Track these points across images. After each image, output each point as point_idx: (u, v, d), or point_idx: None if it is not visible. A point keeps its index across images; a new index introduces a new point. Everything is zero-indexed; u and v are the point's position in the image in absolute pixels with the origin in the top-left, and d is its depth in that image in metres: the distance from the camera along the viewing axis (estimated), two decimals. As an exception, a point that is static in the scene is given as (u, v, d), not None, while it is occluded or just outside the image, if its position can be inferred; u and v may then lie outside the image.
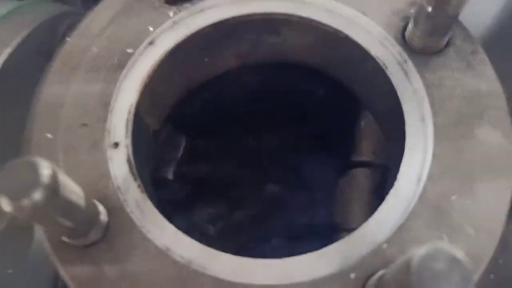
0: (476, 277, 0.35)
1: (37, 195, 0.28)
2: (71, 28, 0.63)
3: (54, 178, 0.29)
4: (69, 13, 0.66)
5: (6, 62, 0.54)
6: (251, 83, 0.53)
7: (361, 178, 0.50)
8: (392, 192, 0.38)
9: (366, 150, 0.52)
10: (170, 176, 0.50)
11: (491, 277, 0.55)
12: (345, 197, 0.50)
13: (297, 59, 0.51)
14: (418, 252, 0.25)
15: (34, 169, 0.28)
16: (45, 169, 0.28)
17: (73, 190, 0.32)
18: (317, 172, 0.53)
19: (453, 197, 0.37)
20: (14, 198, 0.28)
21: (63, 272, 0.37)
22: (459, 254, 0.25)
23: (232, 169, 0.52)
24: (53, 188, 0.29)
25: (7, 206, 0.29)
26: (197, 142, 0.51)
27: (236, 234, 0.43)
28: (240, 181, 0.53)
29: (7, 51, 0.54)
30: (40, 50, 0.58)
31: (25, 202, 0.28)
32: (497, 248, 0.36)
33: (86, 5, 1.16)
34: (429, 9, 0.38)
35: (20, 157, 0.29)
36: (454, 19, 0.40)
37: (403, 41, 0.43)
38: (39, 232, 0.61)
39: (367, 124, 0.52)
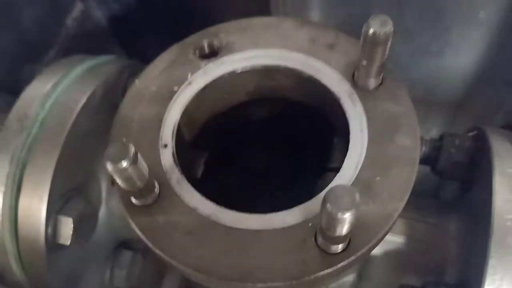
0: (388, 226, 0.54)
1: (125, 162, 0.48)
2: (131, 75, 0.86)
3: (135, 154, 0.49)
4: (128, 65, 0.84)
5: (88, 102, 0.72)
6: (256, 111, 0.74)
7: (331, 178, 0.70)
8: (338, 174, 0.57)
9: (336, 159, 0.72)
10: (198, 175, 0.71)
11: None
12: (319, 190, 0.69)
13: (286, 94, 0.71)
14: (331, 188, 0.45)
15: (125, 148, 0.49)
16: (132, 149, 0.49)
17: (143, 165, 0.52)
18: (301, 174, 0.73)
19: (377, 178, 0.56)
20: (113, 162, 0.48)
21: (131, 221, 0.56)
22: (353, 190, 0.45)
23: (240, 168, 0.73)
24: (134, 160, 0.49)
25: (109, 167, 0.49)
26: (217, 151, 0.73)
27: (241, 202, 0.63)
28: (243, 178, 0.74)
29: (87, 95, 0.73)
30: (110, 92, 0.78)
31: (118, 165, 0.48)
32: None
33: (129, 56, 1.42)
34: (364, 63, 0.60)
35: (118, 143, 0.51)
36: (381, 69, 0.60)
37: (353, 81, 0.63)
38: (100, 223, 0.81)
39: (337, 140, 0.73)
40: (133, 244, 0.86)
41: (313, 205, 0.55)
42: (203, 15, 1.25)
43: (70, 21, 1.12)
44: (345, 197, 0.43)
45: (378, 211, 0.54)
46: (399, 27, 1.16)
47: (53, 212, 0.70)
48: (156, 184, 0.58)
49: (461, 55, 1.10)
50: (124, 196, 0.57)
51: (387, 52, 0.57)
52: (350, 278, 0.74)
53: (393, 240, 0.73)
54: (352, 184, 0.56)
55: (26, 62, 1.01)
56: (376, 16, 0.54)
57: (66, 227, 0.70)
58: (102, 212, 0.81)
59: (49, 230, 0.69)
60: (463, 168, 0.73)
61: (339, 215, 0.43)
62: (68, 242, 0.69)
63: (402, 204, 0.54)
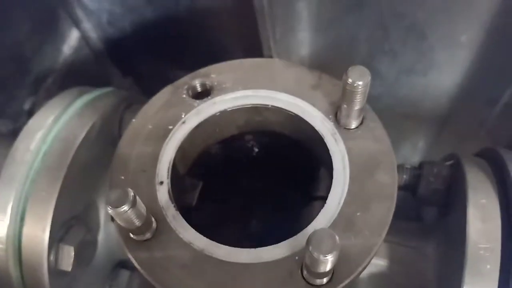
0: (368, 260, 0.58)
1: (126, 206, 0.52)
2: (127, 107, 0.90)
3: (134, 198, 0.53)
4: (125, 97, 0.89)
5: (87, 135, 0.77)
6: (246, 144, 0.79)
7: (317, 206, 0.75)
8: (322, 210, 0.61)
9: (322, 188, 0.77)
10: (193, 203, 0.75)
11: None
12: (307, 218, 0.74)
13: (275, 129, 0.75)
14: (313, 232, 0.50)
15: (125, 193, 0.54)
16: (131, 193, 0.53)
17: (142, 206, 0.57)
18: (289, 203, 0.78)
19: (358, 214, 0.60)
20: (114, 207, 0.53)
21: (130, 255, 0.60)
22: (334, 234, 0.49)
23: (231, 198, 0.78)
24: (133, 203, 0.53)
25: (110, 211, 0.54)
26: (210, 181, 0.77)
27: (230, 233, 0.67)
28: (235, 206, 0.79)
29: (86, 128, 0.77)
30: (107, 124, 0.83)
31: (120, 209, 0.53)
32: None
33: (124, 75, 1.45)
34: (345, 106, 0.64)
35: (118, 188, 0.55)
36: (360, 112, 0.65)
37: (335, 120, 0.68)
38: (99, 248, 0.85)
39: (323, 171, 0.78)
40: (130, 264, 0.89)
41: (299, 239, 0.59)
42: (196, 38, 1.29)
43: (67, 48, 1.16)
44: (326, 241, 0.48)
45: (359, 246, 0.58)
46: (385, 48, 1.21)
47: (55, 241, 0.74)
48: (153, 220, 0.62)
49: (445, 74, 1.15)
50: (123, 232, 0.61)
51: (365, 98, 0.62)
52: (336, 299, 0.79)
53: (377, 263, 0.78)
54: (335, 219, 0.61)
55: (25, 90, 1.05)
56: (355, 68, 0.59)
57: (68, 255, 0.74)
58: (101, 236, 0.85)
59: (51, 257, 0.73)
60: (441, 195, 0.78)
61: (321, 257, 0.48)
62: (69, 269, 0.73)
63: (381, 239, 0.59)
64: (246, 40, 1.26)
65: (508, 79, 1.06)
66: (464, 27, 1.01)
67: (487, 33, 1.00)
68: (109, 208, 0.53)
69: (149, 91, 0.75)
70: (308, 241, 0.48)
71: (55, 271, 0.73)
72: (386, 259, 0.78)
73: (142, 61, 1.43)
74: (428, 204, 0.79)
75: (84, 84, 0.89)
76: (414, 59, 1.15)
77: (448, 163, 0.79)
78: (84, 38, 1.29)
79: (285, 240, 0.60)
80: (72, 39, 1.18)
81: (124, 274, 0.89)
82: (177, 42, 1.33)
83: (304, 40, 1.24)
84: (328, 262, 0.49)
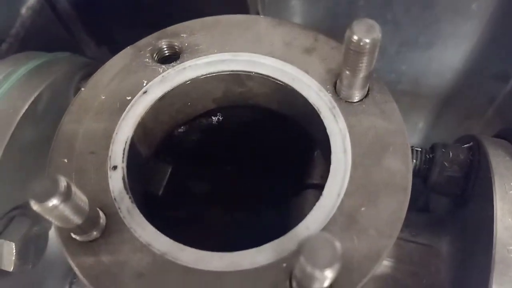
0: (374, 268, 0.46)
1: (55, 200, 0.39)
2: (85, 76, 0.77)
3: (68, 189, 0.41)
4: (84, 64, 0.78)
5: (30, 108, 0.66)
6: (225, 120, 0.66)
7: (311, 196, 0.62)
8: (317, 204, 0.49)
9: (316, 174, 0.65)
10: (160, 192, 0.62)
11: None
12: (298, 211, 0.62)
13: (260, 102, 0.63)
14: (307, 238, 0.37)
15: (54, 181, 0.41)
16: (63, 182, 0.41)
17: (81, 198, 0.44)
18: (278, 191, 0.65)
19: (363, 209, 0.48)
20: (39, 201, 0.40)
21: (71, 261, 0.48)
22: (335, 242, 0.37)
23: (208, 186, 0.65)
24: (66, 196, 0.40)
25: (35, 206, 0.41)
26: (181, 165, 0.64)
27: (206, 230, 0.54)
28: (214, 196, 0.65)
29: (29, 100, 0.67)
30: (59, 96, 0.72)
31: (47, 204, 0.40)
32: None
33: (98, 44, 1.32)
34: (347, 73, 0.51)
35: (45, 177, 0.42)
36: (366, 80, 0.52)
37: (334, 92, 0.55)
38: (53, 236, 0.73)
39: (318, 154, 0.65)
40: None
41: (288, 241, 0.47)
42: (179, 2, 1.16)
43: (24, 10, 1.01)
44: (324, 251, 0.35)
45: (364, 250, 0.46)
46: (386, 18, 1.10)
47: (-7, 236, 0.64)
48: (102, 215, 0.49)
49: (451, 47, 1.06)
50: (62, 231, 0.48)
51: (374, 61, 0.49)
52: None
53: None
54: (334, 215, 0.48)
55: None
56: (361, 21, 0.45)
57: (8, 252, 0.64)
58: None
59: (-11, 255, 0.63)
60: (458, 183, 0.66)
61: (317, 272, 0.35)
62: (10, 268, 0.64)
63: (391, 241, 0.47)
64: (232, 6, 1.13)
65: (525, 52, 0.98)
66: (476, -6, 0.93)
67: (500, 1, 0.92)
68: (32, 203, 0.39)
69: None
70: (300, 250, 0.36)
71: (-6, 270, 0.63)
72: (391, 258, 0.66)
73: (119, 27, 1.29)
74: (442, 193, 0.68)
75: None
76: (418, 30, 1.06)
77: (466, 145, 0.67)
78: (46, 2, 1.14)
79: (270, 241, 0.48)
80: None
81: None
82: (159, 4, 1.19)
83: (296, 7, 1.15)
84: (326, 279, 0.36)
